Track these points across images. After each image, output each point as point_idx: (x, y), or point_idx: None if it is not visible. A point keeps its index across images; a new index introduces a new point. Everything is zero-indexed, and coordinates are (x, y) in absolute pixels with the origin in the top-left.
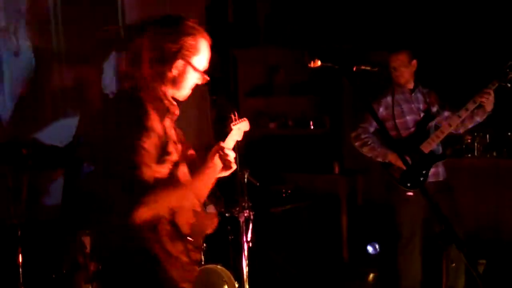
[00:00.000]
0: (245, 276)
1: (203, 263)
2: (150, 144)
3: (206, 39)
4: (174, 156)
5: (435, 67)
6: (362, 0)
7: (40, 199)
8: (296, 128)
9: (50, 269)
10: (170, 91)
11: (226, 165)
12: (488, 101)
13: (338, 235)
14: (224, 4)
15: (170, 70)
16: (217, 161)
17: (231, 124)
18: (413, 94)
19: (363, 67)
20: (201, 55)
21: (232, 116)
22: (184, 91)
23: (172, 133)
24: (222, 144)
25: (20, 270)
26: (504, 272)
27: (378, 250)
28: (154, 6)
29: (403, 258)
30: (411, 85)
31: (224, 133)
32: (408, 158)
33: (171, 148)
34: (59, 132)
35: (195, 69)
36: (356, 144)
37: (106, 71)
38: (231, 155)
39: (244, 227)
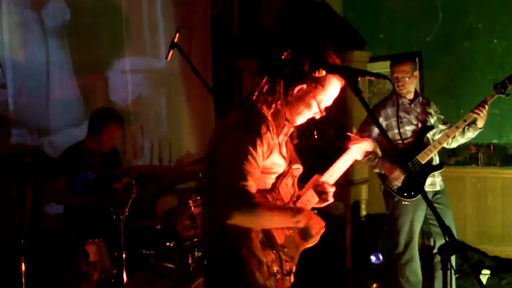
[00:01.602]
0: None
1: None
2: (259, 151)
3: (339, 81)
4: (280, 169)
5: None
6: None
7: (43, 208)
8: (300, 139)
9: (53, 278)
10: (288, 113)
11: (322, 198)
12: (481, 115)
13: (342, 245)
14: (229, 15)
15: (292, 94)
16: (311, 196)
17: (349, 144)
18: (412, 105)
19: (368, 77)
20: (328, 94)
21: (350, 134)
22: (297, 118)
23: (283, 149)
24: (321, 179)
25: (23, 279)
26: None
27: (381, 260)
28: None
29: (402, 267)
30: (411, 96)
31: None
32: (401, 173)
33: (279, 161)
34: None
35: (316, 103)
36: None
37: (112, 79)
38: (330, 191)
39: None
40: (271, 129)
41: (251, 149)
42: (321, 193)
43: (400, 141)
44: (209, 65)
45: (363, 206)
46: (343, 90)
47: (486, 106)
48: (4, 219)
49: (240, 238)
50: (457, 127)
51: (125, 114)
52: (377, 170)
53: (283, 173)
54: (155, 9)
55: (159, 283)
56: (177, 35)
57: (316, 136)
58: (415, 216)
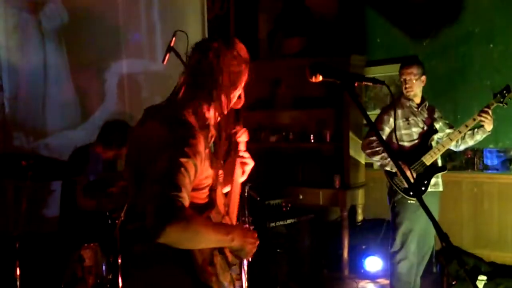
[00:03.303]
0: None
1: None
2: (192, 164)
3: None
4: (210, 181)
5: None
6: (364, 15)
7: (40, 211)
8: (297, 142)
9: (48, 282)
10: (213, 112)
11: (245, 170)
12: (487, 121)
13: (338, 249)
14: (226, 19)
15: (233, 92)
16: (239, 172)
17: (237, 137)
18: (419, 109)
19: (365, 83)
20: (241, 73)
21: (237, 127)
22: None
23: (211, 158)
24: (242, 152)
25: (18, 283)
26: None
27: (378, 265)
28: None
29: (398, 268)
30: (418, 100)
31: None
32: (407, 170)
33: (209, 172)
34: (60, 144)
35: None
36: (367, 151)
37: (109, 81)
38: (246, 156)
39: None
40: (200, 139)
41: (183, 162)
42: (243, 164)
43: (407, 142)
44: None
45: (359, 211)
46: (339, 94)
47: (490, 112)
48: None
49: (208, 267)
50: (460, 132)
51: (122, 117)
52: (388, 168)
53: (214, 184)
54: (152, 12)
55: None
56: (174, 38)
57: (312, 140)
58: (414, 216)
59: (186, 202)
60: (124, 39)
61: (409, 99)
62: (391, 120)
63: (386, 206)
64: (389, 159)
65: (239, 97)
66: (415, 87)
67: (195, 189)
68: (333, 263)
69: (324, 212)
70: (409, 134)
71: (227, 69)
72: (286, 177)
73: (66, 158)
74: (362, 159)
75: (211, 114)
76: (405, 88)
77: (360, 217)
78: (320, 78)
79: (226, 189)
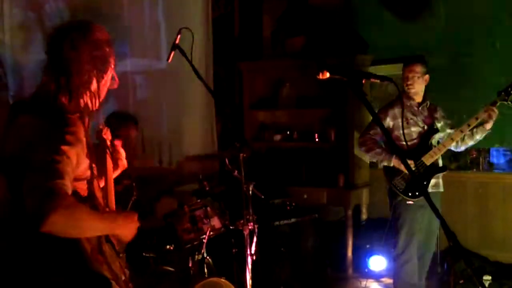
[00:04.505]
0: None
1: (206, 276)
2: (73, 152)
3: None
4: (88, 173)
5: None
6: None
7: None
8: (301, 141)
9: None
10: (88, 101)
11: (118, 164)
12: (489, 119)
13: (342, 249)
14: (230, 18)
15: (104, 77)
16: (110, 165)
17: (103, 135)
18: (420, 108)
19: (372, 80)
20: (106, 52)
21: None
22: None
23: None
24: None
25: None
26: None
27: (382, 264)
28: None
29: (401, 270)
30: (419, 99)
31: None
32: (412, 164)
33: (87, 163)
34: None
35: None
36: (362, 148)
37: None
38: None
39: (248, 240)
40: (80, 127)
41: (65, 149)
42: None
43: (406, 142)
44: (210, 67)
45: (364, 210)
46: (343, 93)
47: (496, 110)
48: None
49: (98, 255)
50: (461, 131)
51: (126, 115)
52: (385, 163)
53: (92, 176)
54: (156, 10)
55: (159, 286)
56: (179, 36)
57: (317, 139)
58: (415, 217)
59: (69, 190)
60: (128, 38)
61: (410, 98)
62: (388, 119)
63: (391, 207)
64: (383, 153)
65: (113, 78)
66: (417, 85)
67: (77, 179)
68: (337, 263)
69: (328, 212)
70: (408, 133)
71: (87, 57)
72: (290, 176)
73: None
74: (367, 158)
75: (86, 102)
76: (407, 85)
77: (364, 217)
78: (327, 75)
79: (101, 184)
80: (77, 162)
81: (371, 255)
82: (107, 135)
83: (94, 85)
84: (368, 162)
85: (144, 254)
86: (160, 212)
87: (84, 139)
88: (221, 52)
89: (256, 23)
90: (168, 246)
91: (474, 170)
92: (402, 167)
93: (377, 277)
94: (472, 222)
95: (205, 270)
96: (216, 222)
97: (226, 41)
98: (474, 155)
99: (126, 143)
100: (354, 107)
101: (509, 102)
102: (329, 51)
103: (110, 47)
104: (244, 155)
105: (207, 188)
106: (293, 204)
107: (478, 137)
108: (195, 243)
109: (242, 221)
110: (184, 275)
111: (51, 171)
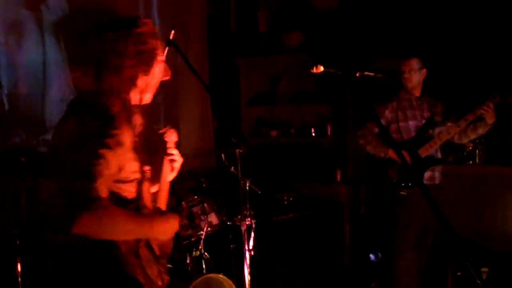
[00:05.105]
0: (247, 285)
1: (204, 272)
2: (112, 155)
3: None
4: (137, 175)
5: (443, 78)
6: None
7: (39, 208)
8: (298, 137)
9: (50, 279)
10: (137, 97)
11: (174, 167)
12: (489, 114)
13: (340, 244)
14: (226, 13)
15: (151, 70)
16: (167, 168)
17: (165, 137)
18: (418, 102)
19: (366, 73)
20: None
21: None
22: (153, 92)
23: (138, 148)
24: (171, 149)
25: (19, 279)
26: (505, 280)
27: (380, 258)
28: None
29: (397, 263)
30: (418, 93)
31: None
32: (407, 156)
33: (135, 167)
34: None
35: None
36: (361, 142)
37: None
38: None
39: (246, 236)
40: (123, 130)
41: (102, 152)
42: (171, 160)
43: (403, 135)
44: (206, 63)
45: (361, 205)
46: (340, 88)
47: (491, 106)
48: None
49: (132, 259)
50: (458, 126)
51: None
52: (381, 155)
53: (142, 177)
54: (151, 7)
55: None
56: (173, 32)
57: (313, 134)
58: (411, 211)
59: (102, 193)
60: None
61: (408, 92)
62: (387, 112)
63: (387, 200)
64: (380, 146)
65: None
66: (414, 80)
67: (122, 181)
68: (334, 257)
69: (325, 206)
70: (406, 127)
71: (131, 52)
72: (287, 171)
73: None
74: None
75: (133, 98)
76: (404, 78)
77: (361, 211)
78: (322, 69)
79: (154, 188)
80: (119, 165)
81: (368, 249)
82: (170, 137)
83: (141, 80)
84: (365, 155)
85: None
86: None
87: (128, 141)
88: (217, 48)
89: (252, 19)
90: None
91: (471, 162)
92: (398, 159)
93: (375, 271)
94: (468, 214)
95: (203, 266)
96: (213, 218)
97: (222, 37)
98: (470, 148)
99: None
100: (351, 102)
101: (510, 99)
102: (326, 46)
103: (156, 39)
104: (241, 151)
105: (204, 185)
106: (291, 199)
107: (481, 131)
108: (192, 239)
109: (239, 217)
110: (182, 271)
111: (84, 174)
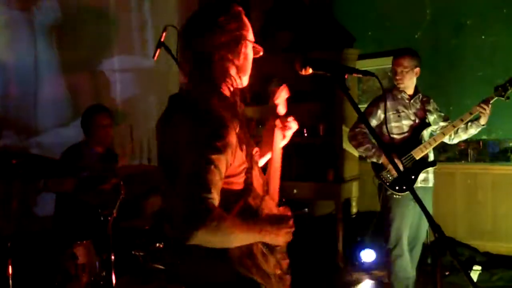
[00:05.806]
0: None
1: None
2: (223, 158)
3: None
4: (246, 164)
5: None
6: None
7: (31, 210)
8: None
9: (41, 281)
10: (237, 82)
11: (286, 135)
12: (484, 114)
13: (333, 243)
14: None
15: (238, 57)
16: (279, 137)
17: (274, 99)
18: (411, 101)
19: (355, 75)
20: (245, 25)
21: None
22: (248, 73)
23: (242, 137)
24: (279, 118)
25: (10, 282)
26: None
27: (373, 257)
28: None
29: (391, 263)
30: (410, 92)
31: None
32: (399, 163)
33: (243, 157)
34: (52, 141)
35: (252, 42)
36: (353, 143)
37: (101, 78)
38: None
39: None
40: (231, 128)
41: (214, 158)
42: (283, 128)
43: (396, 135)
44: None
45: (353, 204)
46: (332, 88)
47: (490, 105)
48: None
49: (247, 260)
50: (454, 126)
51: (114, 114)
52: (374, 160)
53: (250, 165)
54: (143, 8)
55: (149, 285)
56: (164, 33)
57: (306, 134)
58: (405, 211)
59: (216, 202)
60: (115, 36)
61: (401, 91)
62: (379, 112)
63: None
64: (374, 150)
65: (254, 47)
66: (406, 79)
67: (231, 175)
68: (327, 256)
69: (318, 206)
70: (399, 126)
71: (218, 44)
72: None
73: (58, 156)
74: (356, 152)
75: (231, 88)
76: (396, 79)
77: (354, 210)
78: (310, 71)
79: (265, 158)
80: (228, 165)
81: (361, 248)
82: (281, 96)
83: (233, 68)
84: (357, 155)
85: (133, 252)
86: (149, 211)
87: (235, 138)
88: None
89: None
90: (157, 244)
91: (463, 161)
92: (390, 167)
93: (367, 269)
94: (461, 213)
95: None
96: None
97: None
98: (462, 147)
99: (102, 133)
100: (343, 102)
101: (506, 99)
102: (316, 45)
103: (239, 20)
104: None
105: None
106: (283, 199)
107: (473, 131)
108: None
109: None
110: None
111: (198, 184)
